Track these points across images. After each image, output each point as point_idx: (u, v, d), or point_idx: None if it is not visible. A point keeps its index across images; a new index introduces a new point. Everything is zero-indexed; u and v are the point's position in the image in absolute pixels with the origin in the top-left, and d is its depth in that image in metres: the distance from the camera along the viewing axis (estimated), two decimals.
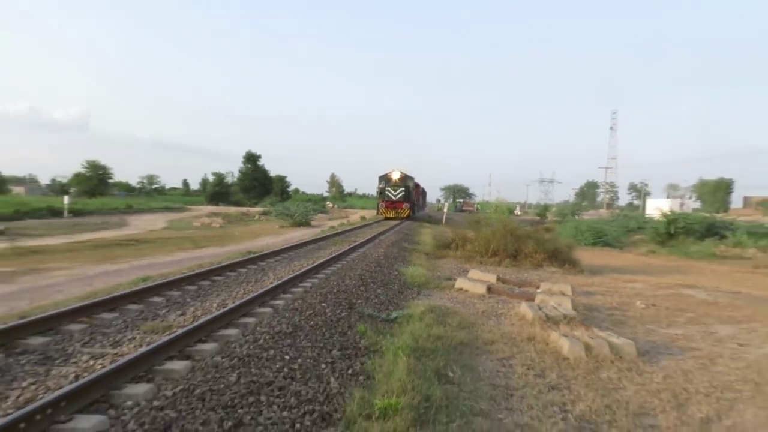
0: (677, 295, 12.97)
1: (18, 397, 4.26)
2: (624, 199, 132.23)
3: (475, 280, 12.29)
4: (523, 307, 9.50)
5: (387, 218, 39.47)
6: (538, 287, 12.17)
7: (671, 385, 6.19)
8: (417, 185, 47.51)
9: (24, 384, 4.55)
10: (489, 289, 11.56)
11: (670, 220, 30.97)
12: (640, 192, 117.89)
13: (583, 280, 14.89)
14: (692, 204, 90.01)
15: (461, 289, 11.75)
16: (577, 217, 48.59)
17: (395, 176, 41.08)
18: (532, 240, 18.72)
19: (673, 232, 30.11)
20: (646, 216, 52.57)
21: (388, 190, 40.83)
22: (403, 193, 40.69)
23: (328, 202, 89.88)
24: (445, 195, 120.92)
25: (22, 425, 3.46)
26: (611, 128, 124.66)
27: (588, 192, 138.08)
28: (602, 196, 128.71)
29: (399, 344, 6.58)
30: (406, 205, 40.53)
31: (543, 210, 66.96)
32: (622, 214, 53.63)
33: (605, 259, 22.26)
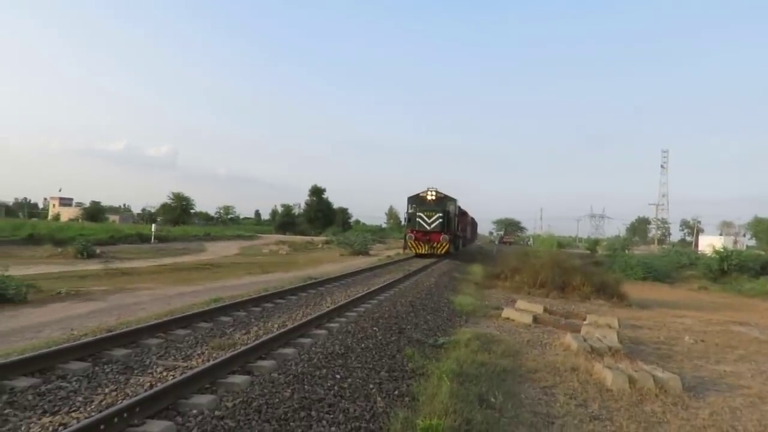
0: (728, 332, 12.19)
1: (101, 401, 4.51)
2: (676, 235, 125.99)
3: (522, 310, 12.01)
4: (568, 338, 9.20)
5: (418, 255, 27.66)
6: (584, 319, 11.76)
7: (718, 422, 5.82)
8: (464, 213, 36.80)
9: (106, 390, 4.82)
10: (535, 319, 11.28)
11: (724, 256, 29.30)
12: (693, 228, 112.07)
13: (630, 314, 14.25)
14: (746, 241, 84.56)
15: (508, 318, 11.51)
16: (627, 251, 46.59)
17: (430, 197, 28.89)
18: (579, 273, 18.17)
19: (726, 269, 28.45)
20: (699, 252, 49.85)
21: (420, 217, 27.96)
22: (440, 220, 27.66)
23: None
24: (497, 228, 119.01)
25: (102, 426, 3.67)
26: (662, 166, 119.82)
27: (639, 227, 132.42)
28: (653, 232, 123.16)
29: (444, 368, 6.52)
30: (444, 238, 27.51)
31: (593, 244, 64.64)
32: (673, 250, 51.06)
33: (655, 293, 21.22)
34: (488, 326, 10.66)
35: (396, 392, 5.64)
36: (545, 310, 12.64)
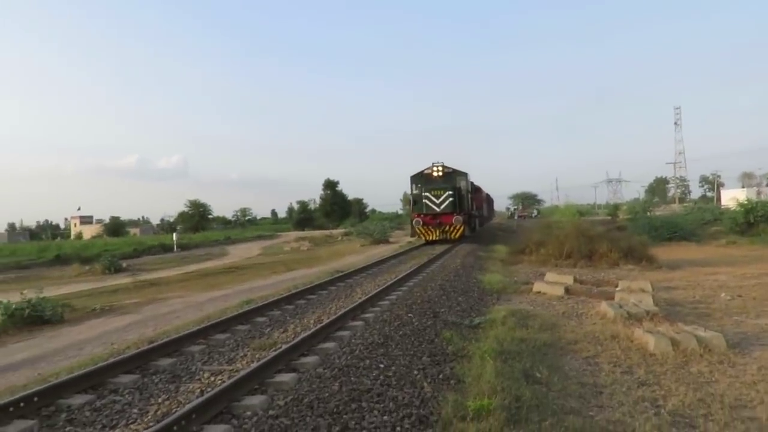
0: (764, 285, 11.98)
1: (156, 411, 4.60)
2: (696, 192, 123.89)
3: (552, 283, 11.95)
4: (604, 306, 9.13)
5: (429, 242, 24.64)
6: (616, 286, 11.66)
7: (767, 377, 5.74)
8: (477, 189, 33.24)
9: (159, 400, 4.91)
10: (567, 291, 11.20)
11: (749, 209, 28.70)
12: (713, 184, 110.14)
13: (662, 276, 14.09)
14: None
15: (539, 292, 11.45)
16: (649, 213, 45.93)
17: (436, 173, 25.20)
18: (605, 240, 17.98)
19: (752, 221, 27.87)
20: (722, 207, 48.99)
21: (427, 197, 24.44)
22: (450, 199, 24.09)
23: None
24: (513, 203, 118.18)
25: None
26: (676, 123, 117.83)
27: (658, 188, 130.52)
28: (673, 191, 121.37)
29: (485, 348, 6.52)
30: (457, 219, 23.87)
31: (613, 209, 63.90)
32: (696, 207, 50.24)
33: (683, 253, 20.93)
34: (521, 302, 10.62)
35: (441, 376, 5.66)
36: (575, 280, 12.55)
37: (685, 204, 77.20)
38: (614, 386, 5.54)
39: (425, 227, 24.39)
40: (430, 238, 24.40)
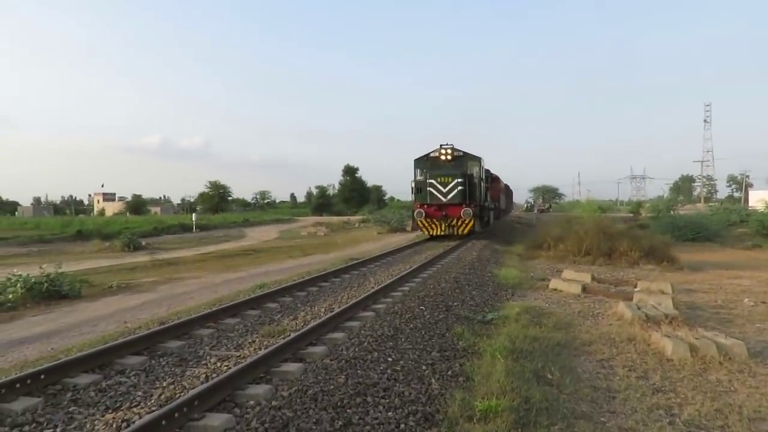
0: None
1: (160, 395, 4.58)
2: (723, 191, 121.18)
3: (570, 280, 11.72)
4: (621, 307, 8.91)
5: (433, 238, 21.74)
6: (635, 286, 11.40)
7: None
8: (495, 178, 30.65)
9: (164, 384, 4.89)
10: (584, 289, 10.98)
11: None
12: (741, 184, 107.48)
13: (683, 278, 13.74)
14: None
15: (555, 289, 11.25)
16: (672, 212, 44.94)
17: (444, 157, 21.93)
18: (626, 237, 17.62)
19: None
20: (749, 208, 47.75)
21: (432, 185, 21.24)
22: (460, 188, 20.90)
23: None
24: (534, 196, 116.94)
25: (164, 422, 3.70)
26: (705, 121, 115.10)
27: (683, 186, 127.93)
28: (699, 190, 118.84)
29: (496, 346, 6.39)
30: (466, 212, 20.67)
31: (635, 207, 62.74)
32: (722, 208, 49.01)
33: (706, 254, 20.42)
34: (536, 298, 10.44)
35: (449, 372, 5.56)
36: (593, 278, 12.31)
37: (710, 204, 75.47)
38: (628, 391, 5.38)
39: (428, 220, 21.26)
40: (434, 232, 21.30)
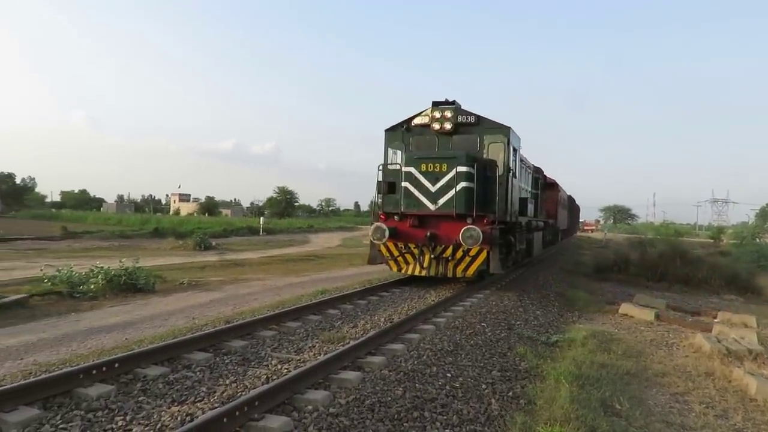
0: None
1: (222, 392, 4.70)
2: None
3: (642, 306, 11.11)
4: (699, 338, 8.33)
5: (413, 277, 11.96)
6: (714, 316, 10.65)
7: None
8: (551, 184, 21.69)
9: (227, 381, 5.02)
10: (658, 316, 10.36)
11: None
12: None
13: None
14: None
15: (626, 314, 10.68)
16: (758, 240, 41.81)
17: (436, 124, 11.79)
18: (705, 264, 16.56)
19: None
20: None
21: (411, 178, 11.27)
22: (464, 185, 10.82)
23: None
24: (604, 216, 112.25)
25: (225, 420, 3.79)
26: None
27: None
28: None
29: (561, 370, 6.12)
30: (471, 234, 10.30)
31: (716, 232, 58.84)
32: None
33: None
34: (604, 323, 9.96)
35: (510, 394, 5.37)
36: (668, 306, 11.62)
37: None
38: (705, 430, 5.00)
39: (399, 244, 11.34)
40: (411, 270, 11.33)
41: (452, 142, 11.88)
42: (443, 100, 11.95)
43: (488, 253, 10.76)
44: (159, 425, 3.96)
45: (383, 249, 11.57)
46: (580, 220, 63.42)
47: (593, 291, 14.10)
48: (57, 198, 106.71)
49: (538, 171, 18.18)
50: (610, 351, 7.45)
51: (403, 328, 7.26)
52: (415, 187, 11.28)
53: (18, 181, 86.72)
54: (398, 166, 11.85)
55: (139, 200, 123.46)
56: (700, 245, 30.74)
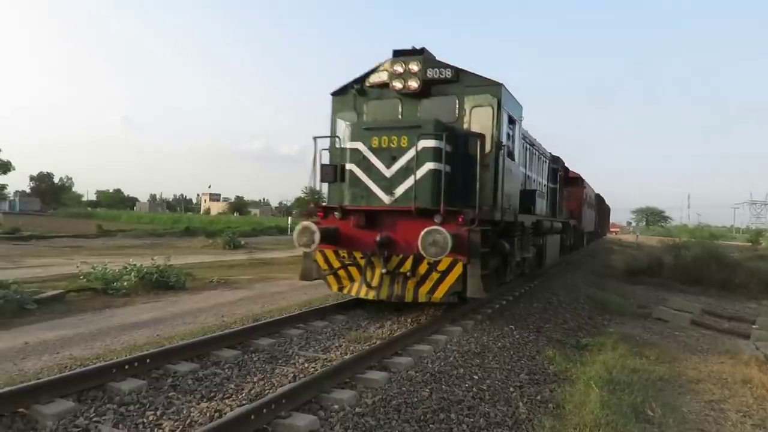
0: None
1: (250, 390, 4.75)
2: None
3: (676, 310, 10.83)
4: (736, 344, 8.08)
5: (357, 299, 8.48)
6: (753, 322, 10.31)
7: None
8: (575, 177, 19.35)
9: (255, 379, 5.07)
10: (692, 321, 10.08)
11: None
12: None
13: None
14: None
15: (659, 318, 10.43)
16: None
17: (400, 82, 8.30)
18: (743, 268, 16.03)
19: None
20: None
21: (359, 158, 7.95)
22: (430, 167, 7.52)
23: None
24: (636, 218, 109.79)
25: (253, 417, 3.83)
26: None
27: None
28: None
29: (591, 374, 6.01)
30: (438, 240, 6.81)
31: (755, 235, 56.94)
32: None
33: None
34: (635, 327, 9.74)
35: (539, 398, 5.29)
36: (703, 310, 11.29)
37: None
38: None
39: (337, 252, 8.18)
40: (352, 291, 8.13)
41: (421, 107, 8.53)
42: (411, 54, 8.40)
43: (464, 267, 7.31)
44: (188, 421, 4.02)
45: (319, 258, 8.25)
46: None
47: (624, 294, 13.80)
48: (93, 197, 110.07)
49: (556, 161, 14.99)
50: (642, 355, 7.28)
51: (429, 330, 7.23)
52: (364, 171, 8.01)
53: (56, 180, 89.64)
54: (340, 143, 8.79)
55: (171, 199, 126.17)
56: (737, 248, 29.78)
